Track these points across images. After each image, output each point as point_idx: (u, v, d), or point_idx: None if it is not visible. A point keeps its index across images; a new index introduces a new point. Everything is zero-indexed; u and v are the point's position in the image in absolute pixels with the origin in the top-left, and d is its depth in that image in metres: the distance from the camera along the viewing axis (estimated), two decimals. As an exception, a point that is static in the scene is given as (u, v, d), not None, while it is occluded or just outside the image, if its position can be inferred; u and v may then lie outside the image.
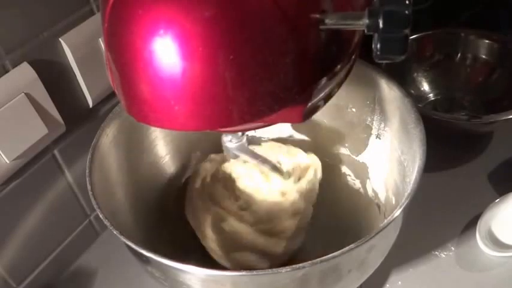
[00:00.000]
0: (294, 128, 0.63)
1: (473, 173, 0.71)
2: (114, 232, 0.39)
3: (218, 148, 0.60)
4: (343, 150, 0.61)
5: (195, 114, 0.28)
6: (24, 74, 0.49)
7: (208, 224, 0.51)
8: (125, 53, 0.28)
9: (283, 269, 0.35)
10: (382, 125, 0.55)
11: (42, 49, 0.51)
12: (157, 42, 0.27)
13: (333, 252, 0.36)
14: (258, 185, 0.53)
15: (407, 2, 0.27)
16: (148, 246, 0.38)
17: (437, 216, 0.65)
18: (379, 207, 0.57)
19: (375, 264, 0.46)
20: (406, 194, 0.41)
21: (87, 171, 0.45)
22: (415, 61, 0.80)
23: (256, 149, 0.56)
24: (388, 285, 0.59)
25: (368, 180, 0.59)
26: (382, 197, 0.56)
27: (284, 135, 0.64)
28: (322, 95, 0.35)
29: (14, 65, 0.48)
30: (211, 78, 0.27)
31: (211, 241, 0.51)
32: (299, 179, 0.54)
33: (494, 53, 0.77)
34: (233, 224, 0.51)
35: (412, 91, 0.80)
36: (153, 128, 0.55)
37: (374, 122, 0.56)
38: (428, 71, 0.81)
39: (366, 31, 0.29)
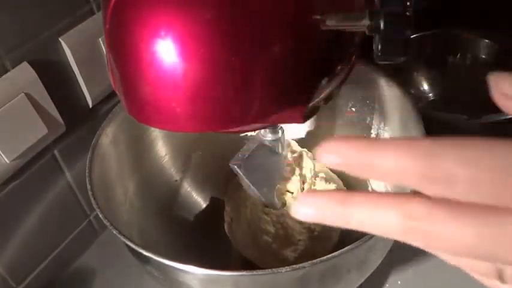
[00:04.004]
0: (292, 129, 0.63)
1: (472, 173, 0.70)
2: (114, 232, 0.39)
3: (218, 148, 0.60)
4: (343, 150, 0.61)
5: (196, 116, 0.28)
6: (24, 74, 0.49)
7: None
8: (126, 54, 0.28)
9: (283, 269, 0.35)
10: (382, 125, 0.55)
11: (42, 49, 0.50)
12: (159, 44, 0.27)
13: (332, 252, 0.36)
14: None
15: (408, 3, 0.27)
16: (148, 246, 0.38)
17: (437, 216, 0.65)
18: (378, 207, 0.56)
19: (375, 264, 0.46)
20: (405, 195, 0.41)
21: (87, 171, 0.45)
22: (415, 61, 0.80)
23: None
24: (387, 285, 0.59)
25: (367, 181, 0.59)
26: (381, 197, 0.56)
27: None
28: (322, 95, 0.35)
29: (14, 65, 0.48)
30: (212, 80, 0.27)
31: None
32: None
33: (493, 53, 0.77)
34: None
35: (412, 91, 0.80)
36: (153, 128, 0.55)
37: (374, 121, 0.56)
38: (428, 71, 0.81)
39: (366, 32, 0.28)
